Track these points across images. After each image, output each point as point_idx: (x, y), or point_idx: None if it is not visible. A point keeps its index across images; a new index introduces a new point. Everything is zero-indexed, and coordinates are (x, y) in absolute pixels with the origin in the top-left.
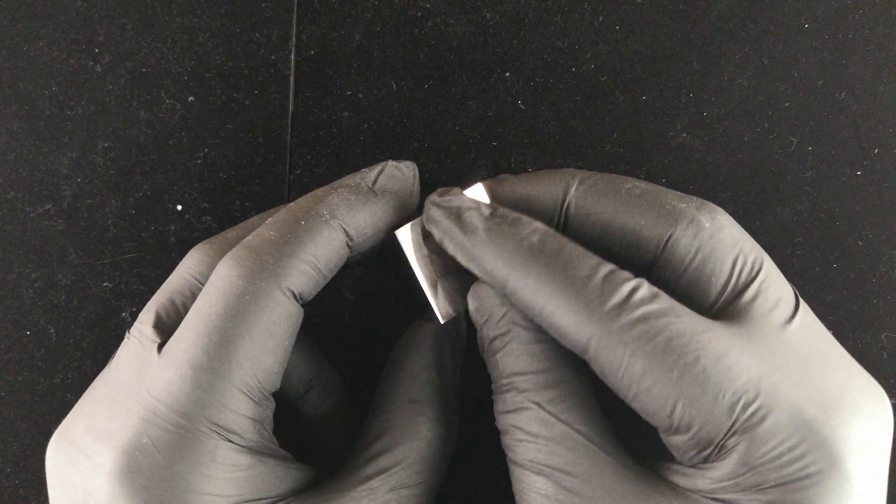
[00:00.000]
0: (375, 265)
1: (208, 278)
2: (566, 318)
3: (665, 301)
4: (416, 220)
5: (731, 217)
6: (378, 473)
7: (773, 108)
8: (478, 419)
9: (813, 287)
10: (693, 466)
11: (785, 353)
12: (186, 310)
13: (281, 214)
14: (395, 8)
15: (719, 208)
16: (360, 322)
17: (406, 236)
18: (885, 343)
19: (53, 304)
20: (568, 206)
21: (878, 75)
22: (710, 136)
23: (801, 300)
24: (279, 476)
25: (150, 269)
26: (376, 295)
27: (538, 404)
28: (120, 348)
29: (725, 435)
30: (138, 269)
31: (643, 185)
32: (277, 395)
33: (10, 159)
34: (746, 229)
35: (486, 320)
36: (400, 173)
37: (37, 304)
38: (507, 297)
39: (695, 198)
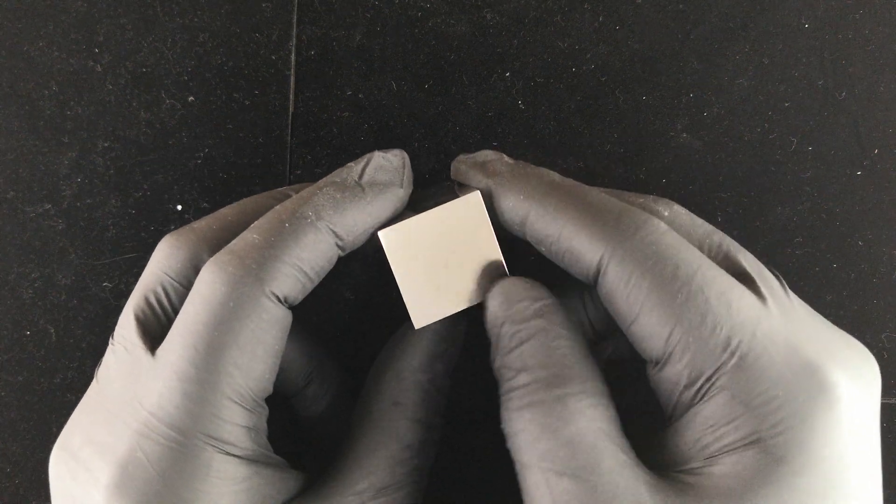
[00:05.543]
0: (376, 265)
1: (178, 272)
2: (582, 238)
3: (676, 237)
4: (401, 223)
5: (687, 209)
6: (363, 478)
7: (773, 108)
8: (472, 424)
9: (813, 287)
10: (684, 412)
11: (780, 308)
12: (163, 307)
13: (266, 217)
14: (395, 8)
15: (676, 203)
16: (360, 322)
17: (388, 237)
18: (885, 343)
19: (53, 304)
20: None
21: (878, 75)
22: (710, 136)
23: (783, 281)
24: (275, 486)
25: None
26: (376, 295)
27: (560, 399)
28: (106, 355)
29: (718, 369)
30: (138, 269)
31: (604, 191)
32: (276, 393)
33: (9, 159)
34: (746, 229)
35: (513, 312)
36: (388, 163)
37: (37, 304)
38: (533, 293)
39: (652, 195)
